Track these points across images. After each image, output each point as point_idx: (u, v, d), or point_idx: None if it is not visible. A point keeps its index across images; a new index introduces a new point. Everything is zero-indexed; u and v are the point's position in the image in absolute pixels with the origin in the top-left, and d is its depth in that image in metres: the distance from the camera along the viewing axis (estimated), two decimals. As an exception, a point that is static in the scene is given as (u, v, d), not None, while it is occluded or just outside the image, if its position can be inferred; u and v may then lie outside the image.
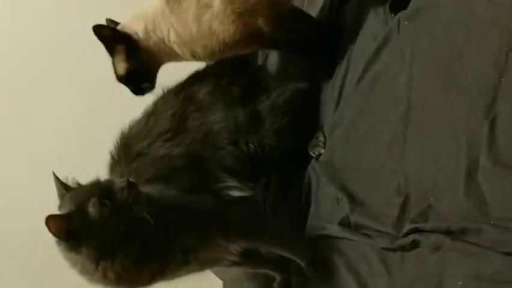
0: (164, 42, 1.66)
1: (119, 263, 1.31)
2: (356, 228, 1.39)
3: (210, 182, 1.62)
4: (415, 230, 1.21)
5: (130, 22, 1.70)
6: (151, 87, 1.74)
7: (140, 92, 1.73)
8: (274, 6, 1.61)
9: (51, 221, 1.24)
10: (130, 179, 1.34)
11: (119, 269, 1.32)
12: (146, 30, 1.66)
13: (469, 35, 1.21)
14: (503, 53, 1.12)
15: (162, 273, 1.41)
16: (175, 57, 1.70)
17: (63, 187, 1.36)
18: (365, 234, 1.36)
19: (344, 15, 1.70)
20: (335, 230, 1.45)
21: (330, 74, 1.69)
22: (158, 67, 1.74)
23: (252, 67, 1.85)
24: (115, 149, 1.68)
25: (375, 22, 1.56)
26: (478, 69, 1.16)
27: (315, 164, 1.64)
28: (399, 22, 1.43)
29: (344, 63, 1.63)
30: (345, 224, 1.43)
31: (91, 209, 1.28)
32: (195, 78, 1.78)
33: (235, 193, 1.63)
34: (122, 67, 1.69)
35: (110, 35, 1.66)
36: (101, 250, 1.29)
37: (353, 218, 1.40)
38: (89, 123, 2.73)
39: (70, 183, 1.39)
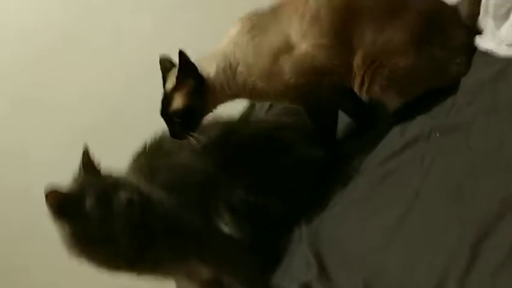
0: (231, 76, 1.67)
1: (92, 252, 1.46)
2: (314, 298, 1.40)
3: (210, 211, 1.68)
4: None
5: (203, 61, 1.70)
6: (191, 132, 1.66)
7: (181, 135, 1.66)
8: (347, 79, 1.65)
9: (51, 193, 1.39)
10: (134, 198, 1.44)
11: (90, 257, 1.48)
12: (217, 70, 1.68)
13: (489, 167, 1.21)
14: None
15: (128, 269, 1.53)
16: (234, 91, 1.70)
17: (84, 164, 1.51)
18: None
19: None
20: (293, 290, 1.47)
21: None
22: (210, 110, 1.73)
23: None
24: (151, 140, 1.76)
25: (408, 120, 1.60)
26: (485, 202, 1.15)
27: (304, 226, 1.67)
28: (431, 131, 1.46)
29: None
30: (304, 289, 1.43)
31: (87, 202, 1.42)
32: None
33: (226, 230, 1.69)
34: (181, 101, 1.65)
35: (190, 66, 1.65)
36: (78, 237, 1.43)
37: (315, 287, 1.41)
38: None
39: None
